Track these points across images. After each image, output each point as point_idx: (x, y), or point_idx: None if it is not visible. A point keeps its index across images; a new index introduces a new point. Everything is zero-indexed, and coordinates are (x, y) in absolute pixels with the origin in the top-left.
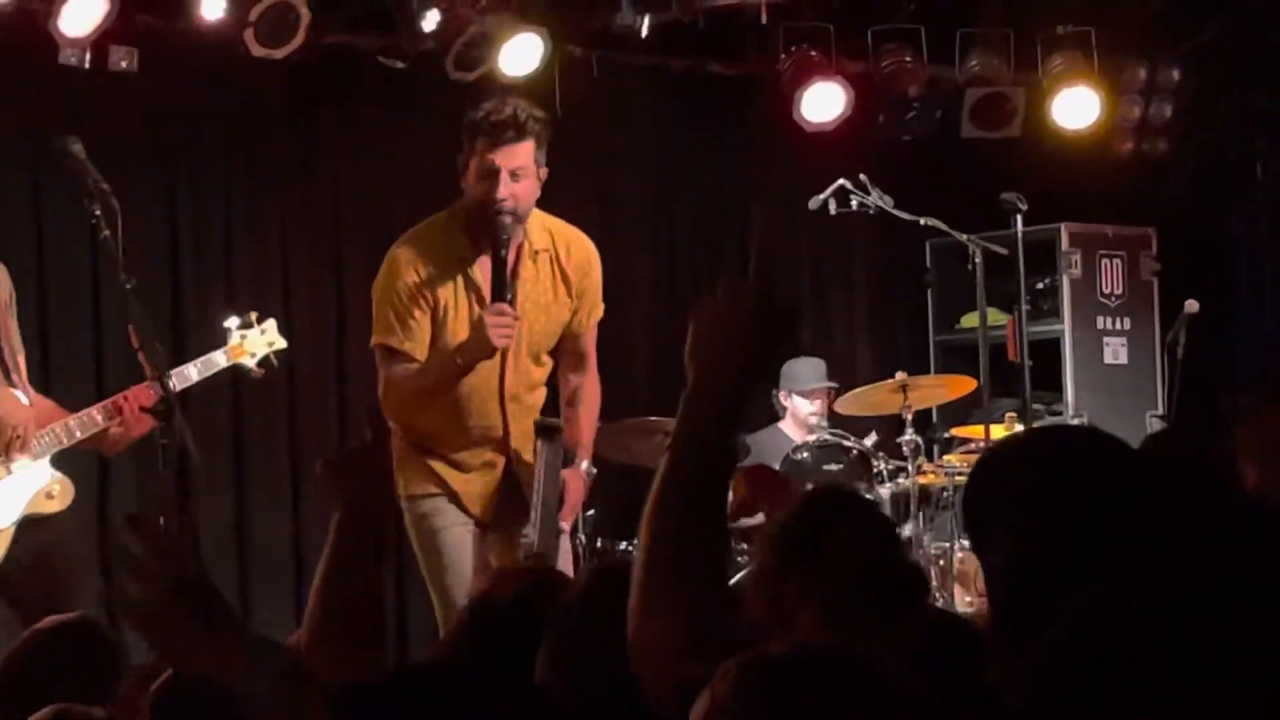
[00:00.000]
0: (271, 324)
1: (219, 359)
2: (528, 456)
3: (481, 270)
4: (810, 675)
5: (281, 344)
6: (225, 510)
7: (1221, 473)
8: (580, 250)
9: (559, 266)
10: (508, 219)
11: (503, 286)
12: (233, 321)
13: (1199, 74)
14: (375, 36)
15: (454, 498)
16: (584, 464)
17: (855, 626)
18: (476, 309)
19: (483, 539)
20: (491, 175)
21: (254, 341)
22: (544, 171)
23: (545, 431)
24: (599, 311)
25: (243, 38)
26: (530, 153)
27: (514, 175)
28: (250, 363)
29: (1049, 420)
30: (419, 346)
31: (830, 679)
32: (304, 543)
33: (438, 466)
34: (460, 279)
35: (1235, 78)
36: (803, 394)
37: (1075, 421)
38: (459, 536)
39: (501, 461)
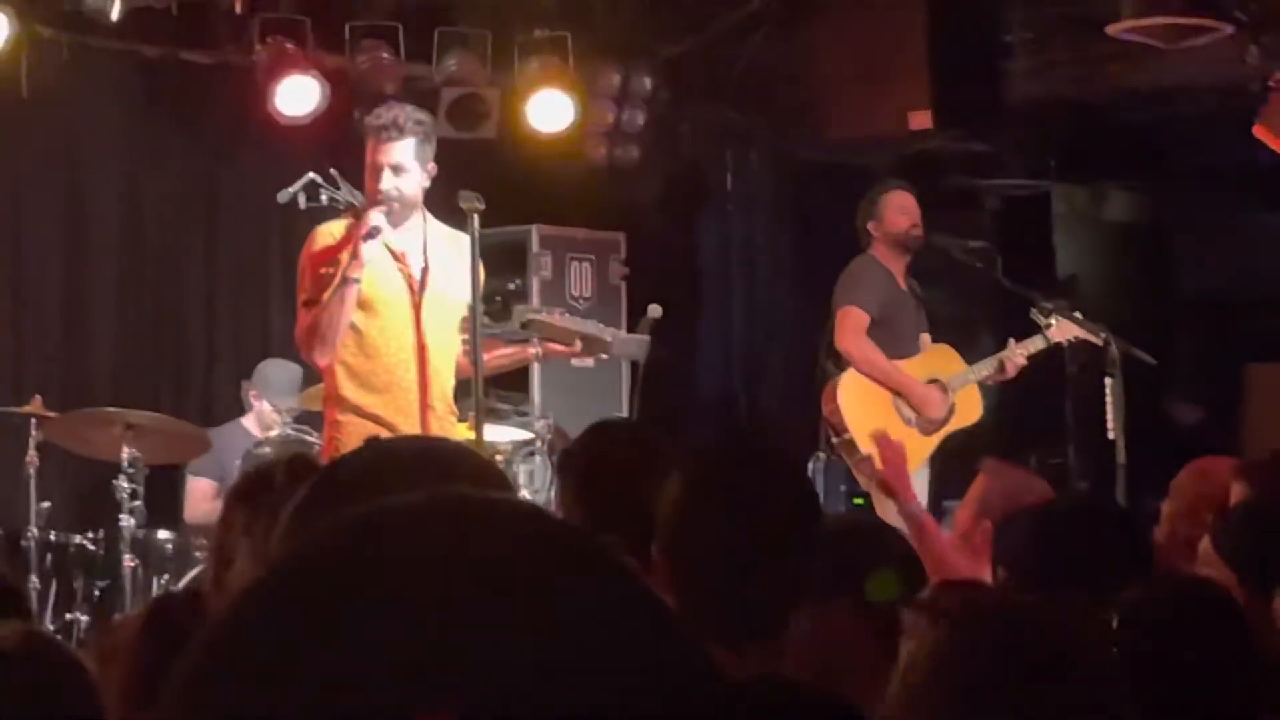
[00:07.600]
0: None
1: None
2: None
3: None
4: None
5: None
6: None
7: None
8: None
9: None
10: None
11: None
12: None
13: (672, 84)
14: None
15: None
16: None
17: None
18: None
19: None
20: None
21: None
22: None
23: None
24: None
25: None
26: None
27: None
28: None
29: (516, 420)
30: None
31: None
32: None
33: None
34: None
35: (707, 90)
36: (274, 405)
37: (540, 424)
38: None
39: None
